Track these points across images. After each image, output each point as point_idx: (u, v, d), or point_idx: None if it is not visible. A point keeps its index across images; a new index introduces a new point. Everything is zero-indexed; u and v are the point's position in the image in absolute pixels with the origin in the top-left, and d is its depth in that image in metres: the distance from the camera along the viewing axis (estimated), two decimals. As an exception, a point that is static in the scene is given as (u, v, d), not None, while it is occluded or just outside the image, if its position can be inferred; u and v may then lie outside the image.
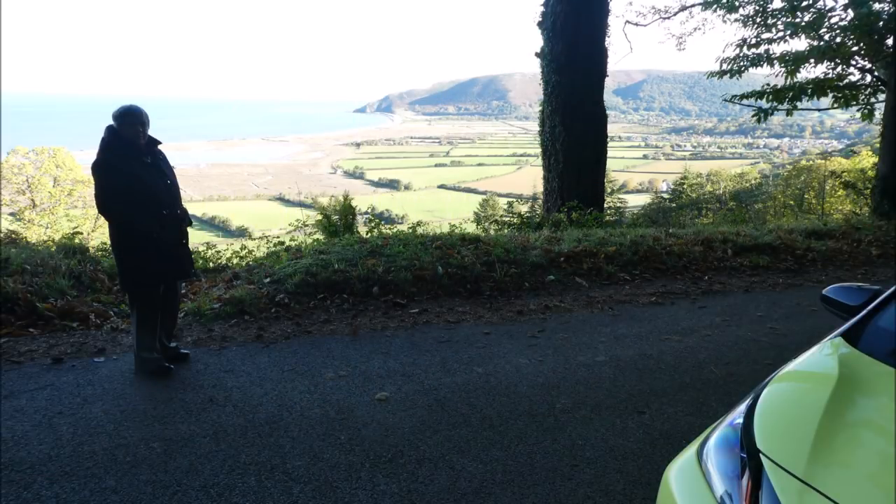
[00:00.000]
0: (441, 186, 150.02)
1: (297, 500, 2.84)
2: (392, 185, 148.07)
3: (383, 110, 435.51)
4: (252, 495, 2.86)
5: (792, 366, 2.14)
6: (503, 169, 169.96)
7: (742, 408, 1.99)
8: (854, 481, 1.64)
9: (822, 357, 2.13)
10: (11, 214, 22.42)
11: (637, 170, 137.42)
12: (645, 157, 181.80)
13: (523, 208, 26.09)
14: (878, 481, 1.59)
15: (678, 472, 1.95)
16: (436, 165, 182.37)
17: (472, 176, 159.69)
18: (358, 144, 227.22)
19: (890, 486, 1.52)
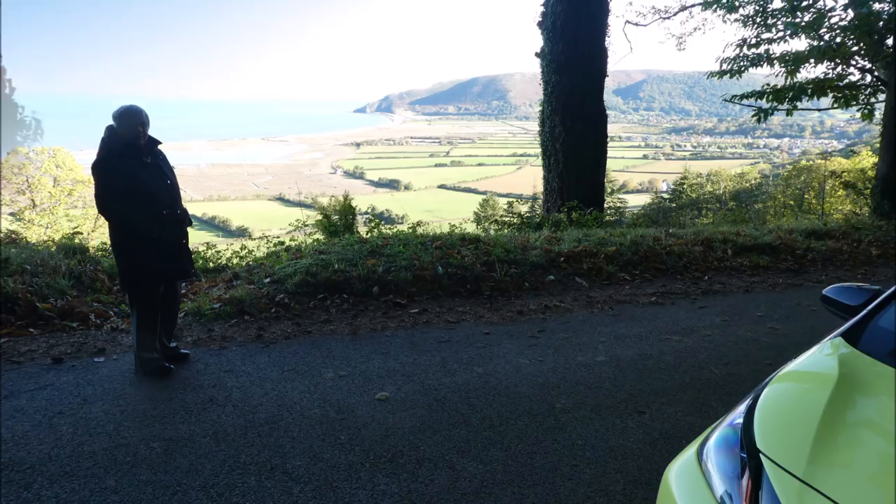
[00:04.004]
0: (441, 186, 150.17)
1: (297, 500, 2.84)
2: (392, 185, 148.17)
3: (383, 110, 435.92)
4: (252, 495, 2.86)
5: (792, 366, 2.14)
6: (503, 169, 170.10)
7: (742, 408, 1.99)
8: (854, 481, 1.64)
9: (822, 357, 2.13)
10: (11, 214, 22.40)
11: (637, 170, 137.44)
12: (645, 157, 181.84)
13: (523, 208, 26.11)
14: (878, 481, 1.59)
15: (678, 472, 1.95)
16: (436, 165, 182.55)
17: (472, 176, 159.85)
18: (358, 144, 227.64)
19: (890, 486, 1.52)
